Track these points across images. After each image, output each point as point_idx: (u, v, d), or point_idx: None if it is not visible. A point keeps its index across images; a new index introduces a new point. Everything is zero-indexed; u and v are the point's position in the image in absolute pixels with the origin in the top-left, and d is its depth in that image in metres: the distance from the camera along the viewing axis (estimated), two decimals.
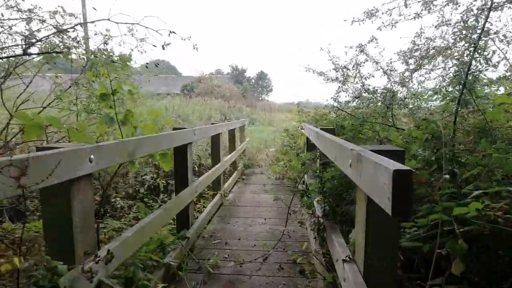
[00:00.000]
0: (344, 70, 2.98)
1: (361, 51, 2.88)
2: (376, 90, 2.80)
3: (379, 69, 2.90)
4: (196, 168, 4.97)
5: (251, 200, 4.59)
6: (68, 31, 2.86)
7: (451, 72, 2.54)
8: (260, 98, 66.73)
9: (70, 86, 4.14)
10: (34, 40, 2.68)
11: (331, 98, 3.33)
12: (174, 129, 2.63)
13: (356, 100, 3.01)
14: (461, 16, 2.61)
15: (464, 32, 2.37)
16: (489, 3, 2.24)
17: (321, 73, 3.65)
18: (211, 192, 4.13)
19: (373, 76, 2.97)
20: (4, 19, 2.90)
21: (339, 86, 3.06)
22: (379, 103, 2.82)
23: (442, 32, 2.77)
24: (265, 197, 4.72)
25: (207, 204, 3.98)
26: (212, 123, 4.28)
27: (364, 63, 2.95)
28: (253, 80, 69.65)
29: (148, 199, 4.46)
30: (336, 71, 3.11)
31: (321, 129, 2.55)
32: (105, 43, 3.32)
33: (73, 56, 3.03)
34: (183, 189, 2.59)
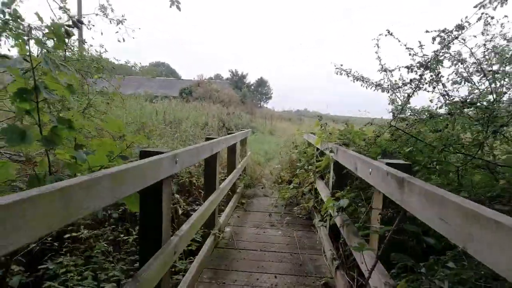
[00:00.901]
0: (419, 70, 1.94)
1: (453, 39, 1.84)
2: (476, 101, 1.76)
3: (478, 71, 1.88)
4: (180, 201, 3.87)
5: (255, 238, 3.51)
6: None
7: None
8: (259, 105, 66.06)
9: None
10: None
11: (390, 112, 2.34)
12: (142, 155, 1.57)
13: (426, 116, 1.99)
14: None
15: None
16: None
17: (366, 80, 2.65)
18: (201, 231, 3.06)
19: (465, 82, 1.95)
20: None
21: (408, 96, 2.04)
22: (464, 123, 1.82)
23: None
24: (273, 235, 3.64)
25: (193, 247, 2.91)
26: (208, 137, 3.21)
27: (442, 61, 1.93)
28: (252, 87, 68.96)
29: (121, 230, 3.40)
30: (412, 69, 2.06)
31: (388, 164, 1.50)
32: None
33: None
34: (154, 253, 1.53)
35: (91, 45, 3.55)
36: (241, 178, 4.96)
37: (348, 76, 2.73)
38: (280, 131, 16.59)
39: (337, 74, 2.77)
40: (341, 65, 2.72)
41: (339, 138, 3.05)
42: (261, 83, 73.24)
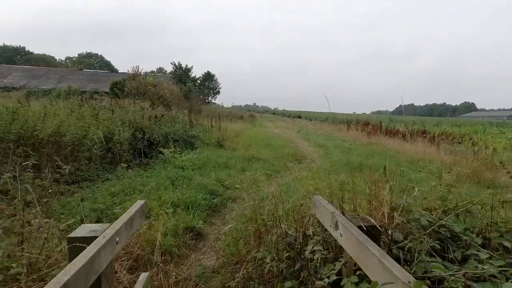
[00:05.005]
0: None
1: None
2: None
3: None
4: None
5: None
6: None
7: None
8: (207, 101, 60.78)
9: None
10: None
11: None
12: None
13: None
14: None
15: None
16: None
17: None
18: None
19: None
20: None
21: None
22: None
23: None
24: None
25: None
26: None
27: None
28: (199, 81, 63.20)
29: None
30: None
31: None
32: None
33: None
34: None
35: None
36: None
37: None
38: (232, 138, 12.36)
39: None
40: None
41: None
42: (208, 77, 67.91)
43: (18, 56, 68.31)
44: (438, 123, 28.90)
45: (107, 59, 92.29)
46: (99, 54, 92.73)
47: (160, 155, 7.54)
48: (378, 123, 22.31)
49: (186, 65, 57.47)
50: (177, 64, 57.51)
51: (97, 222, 3.24)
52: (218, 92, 69.31)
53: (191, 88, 41.97)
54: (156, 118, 9.82)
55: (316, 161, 9.64)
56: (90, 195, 4.46)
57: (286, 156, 9.71)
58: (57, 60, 77.11)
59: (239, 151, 9.46)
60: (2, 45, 68.82)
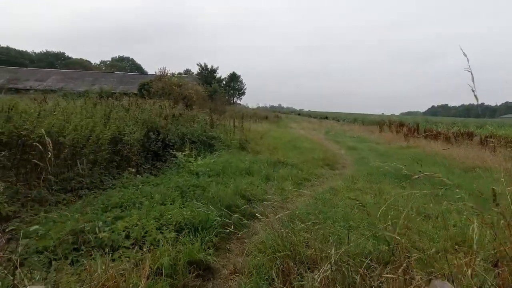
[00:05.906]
0: None
1: None
2: None
3: None
4: None
5: None
6: None
7: None
8: (232, 101, 60.41)
9: None
10: None
11: None
12: None
13: None
14: None
15: None
16: None
17: None
18: None
19: None
20: None
21: None
22: None
23: None
24: None
25: None
26: None
27: None
28: (224, 82, 62.91)
29: None
30: None
31: None
32: None
33: None
34: None
35: None
36: None
37: None
38: (256, 140, 11.40)
39: None
40: None
41: None
42: (234, 78, 67.51)
43: (58, 61, 71.71)
44: (482, 124, 26.13)
45: (138, 62, 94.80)
46: (130, 58, 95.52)
47: (174, 158, 6.73)
48: (414, 125, 20.44)
49: (212, 66, 57.31)
50: (203, 65, 57.54)
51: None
52: (244, 93, 68.77)
53: (216, 89, 41.58)
54: (174, 117, 9.07)
55: (351, 167, 8.45)
56: (79, 208, 3.67)
57: (315, 160, 8.61)
58: (93, 63, 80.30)
59: (263, 155, 8.48)
60: (44, 51, 72.74)
